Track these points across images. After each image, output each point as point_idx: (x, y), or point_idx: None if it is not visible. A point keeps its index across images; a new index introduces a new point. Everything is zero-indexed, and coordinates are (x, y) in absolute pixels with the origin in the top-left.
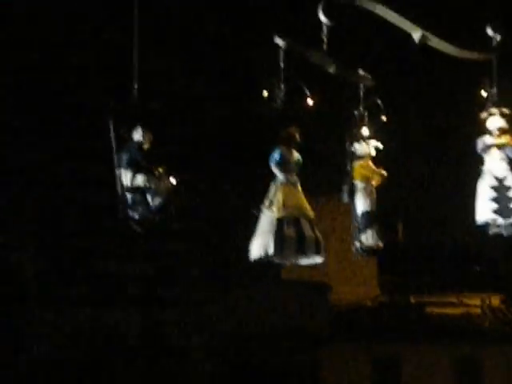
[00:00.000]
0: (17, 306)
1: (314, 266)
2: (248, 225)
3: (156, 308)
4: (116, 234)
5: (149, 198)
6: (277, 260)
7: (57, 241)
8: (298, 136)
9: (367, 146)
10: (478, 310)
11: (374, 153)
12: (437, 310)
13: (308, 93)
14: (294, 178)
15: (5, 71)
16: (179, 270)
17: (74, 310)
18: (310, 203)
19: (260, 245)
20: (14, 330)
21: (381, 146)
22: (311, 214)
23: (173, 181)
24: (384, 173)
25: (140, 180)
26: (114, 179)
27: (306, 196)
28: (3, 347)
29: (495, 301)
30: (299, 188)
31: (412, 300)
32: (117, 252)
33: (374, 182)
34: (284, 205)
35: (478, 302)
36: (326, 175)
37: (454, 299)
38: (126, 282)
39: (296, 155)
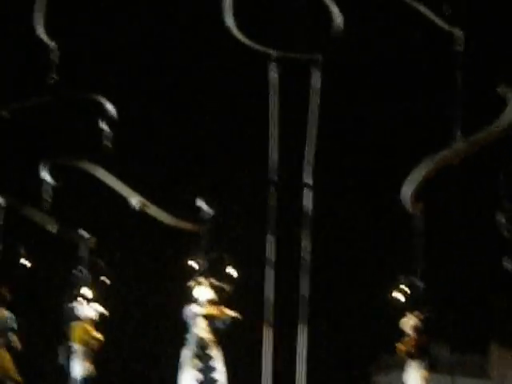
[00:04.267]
0: None
1: None
2: None
3: None
4: None
5: None
6: None
7: None
8: (7, 295)
9: (88, 308)
10: None
11: (94, 315)
12: None
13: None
14: (1, 338)
15: None
16: None
17: None
18: None
19: None
20: None
21: (102, 310)
22: (16, 376)
23: None
24: (101, 337)
25: None
26: None
27: None
28: None
29: None
30: (5, 349)
31: None
32: None
33: (93, 346)
34: None
35: None
36: None
37: None
38: None
39: (5, 315)
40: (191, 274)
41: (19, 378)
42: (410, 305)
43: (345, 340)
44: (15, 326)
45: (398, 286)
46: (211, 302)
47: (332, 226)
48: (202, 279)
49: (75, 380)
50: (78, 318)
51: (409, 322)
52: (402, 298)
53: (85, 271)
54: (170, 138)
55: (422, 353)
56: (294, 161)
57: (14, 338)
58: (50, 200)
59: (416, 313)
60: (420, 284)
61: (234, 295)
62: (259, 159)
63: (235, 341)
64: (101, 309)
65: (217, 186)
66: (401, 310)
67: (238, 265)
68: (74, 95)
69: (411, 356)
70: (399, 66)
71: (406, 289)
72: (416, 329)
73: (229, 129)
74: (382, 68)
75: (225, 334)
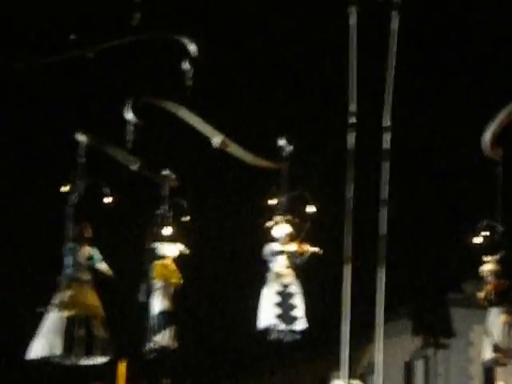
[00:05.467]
0: None
1: None
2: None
3: None
4: None
5: None
6: (63, 360)
7: None
8: (90, 232)
9: (169, 247)
10: None
11: (176, 253)
12: None
13: (108, 191)
14: (86, 275)
15: None
16: None
17: None
18: None
19: (45, 344)
20: None
21: (183, 249)
22: (102, 312)
23: None
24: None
25: None
26: None
27: None
28: None
29: None
30: (91, 285)
31: None
32: None
33: (173, 281)
34: (73, 303)
35: None
36: None
37: None
38: None
39: (88, 252)
40: (272, 212)
41: (103, 315)
42: (490, 248)
43: (424, 272)
44: (101, 262)
45: (479, 230)
46: (291, 239)
47: (412, 169)
48: (282, 217)
49: (154, 316)
50: (159, 257)
51: (488, 267)
52: (482, 241)
53: (166, 210)
54: (251, 78)
55: (502, 298)
56: (373, 103)
57: (103, 266)
58: (133, 139)
59: (495, 256)
60: (500, 228)
61: (313, 232)
62: (339, 100)
63: (315, 277)
64: (182, 248)
65: (297, 124)
66: (480, 252)
67: (318, 202)
68: (157, 36)
69: (491, 302)
70: (477, 14)
71: (486, 233)
72: (495, 273)
73: (309, 71)
74: (460, 15)
75: (305, 271)
